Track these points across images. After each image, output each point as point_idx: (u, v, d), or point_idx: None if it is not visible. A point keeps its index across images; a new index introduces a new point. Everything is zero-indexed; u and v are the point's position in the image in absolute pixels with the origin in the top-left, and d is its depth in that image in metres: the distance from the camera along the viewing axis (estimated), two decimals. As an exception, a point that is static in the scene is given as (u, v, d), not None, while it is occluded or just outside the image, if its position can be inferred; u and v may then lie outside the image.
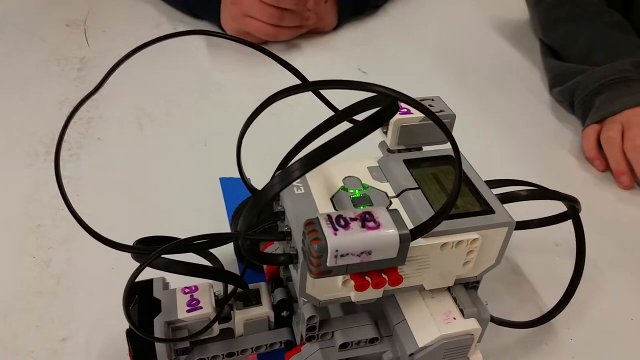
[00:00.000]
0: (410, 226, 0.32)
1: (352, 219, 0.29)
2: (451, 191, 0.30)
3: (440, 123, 0.28)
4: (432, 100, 0.40)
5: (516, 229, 0.35)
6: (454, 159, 0.38)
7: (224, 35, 0.34)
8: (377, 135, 0.37)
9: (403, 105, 0.39)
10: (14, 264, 0.49)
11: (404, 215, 0.34)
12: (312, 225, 0.29)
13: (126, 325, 0.35)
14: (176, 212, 0.55)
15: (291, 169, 0.28)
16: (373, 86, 0.29)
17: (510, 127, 0.69)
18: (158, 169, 0.61)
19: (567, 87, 0.69)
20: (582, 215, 0.42)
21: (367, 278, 0.30)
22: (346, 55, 0.84)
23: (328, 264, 0.28)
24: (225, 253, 0.47)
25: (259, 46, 0.35)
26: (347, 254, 0.28)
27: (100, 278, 0.48)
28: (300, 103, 0.69)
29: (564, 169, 0.63)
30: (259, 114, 0.32)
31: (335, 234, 0.28)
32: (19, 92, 0.72)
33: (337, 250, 0.28)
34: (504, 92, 0.76)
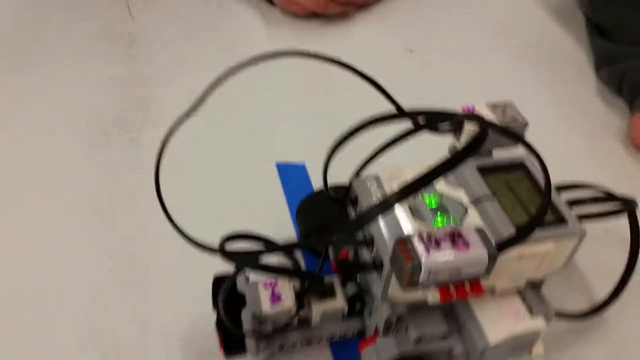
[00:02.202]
0: (491, 239, 0.34)
1: (442, 239, 0.31)
2: (539, 207, 0.32)
3: (534, 152, 0.30)
4: (505, 106, 0.42)
5: None
6: (525, 167, 0.40)
7: (323, 57, 0.35)
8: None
9: (477, 112, 0.41)
10: (92, 251, 0.52)
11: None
12: (404, 244, 0.31)
13: (204, 310, 0.38)
14: (236, 198, 0.57)
15: (389, 200, 0.29)
16: (465, 116, 0.31)
17: (555, 109, 0.70)
18: (215, 153, 0.63)
19: (614, 70, 0.69)
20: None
21: (451, 290, 0.33)
22: (394, 32, 0.83)
23: (420, 282, 0.31)
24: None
25: (363, 73, 0.35)
26: (439, 273, 0.31)
27: (179, 264, 0.50)
28: (357, 87, 0.70)
29: (611, 156, 0.64)
30: (349, 138, 0.34)
31: (428, 255, 0.30)
32: (71, 72, 0.73)
33: (430, 270, 0.30)
34: (551, 70, 0.76)
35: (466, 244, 0.31)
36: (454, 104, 0.42)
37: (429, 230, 0.32)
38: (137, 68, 0.74)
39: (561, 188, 0.43)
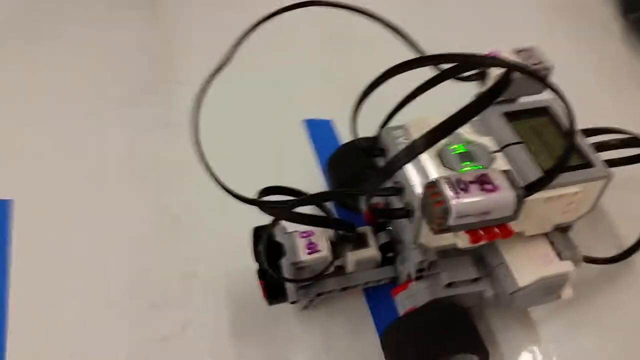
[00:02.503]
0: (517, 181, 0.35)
1: (471, 182, 0.32)
2: (563, 151, 0.32)
3: (559, 94, 0.31)
4: (530, 50, 0.42)
5: None
6: (551, 112, 0.40)
7: (343, 5, 0.36)
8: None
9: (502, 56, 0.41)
10: (132, 207, 0.55)
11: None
12: (433, 188, 0.32)
13: (245, 261, 0.40)
14: (267, 154, 0.59)
15: (416, 144, 0.30)
16: (491, 60, 0.31)
17: (579, 61, 0.69)
18: (243, 112, 0.64)
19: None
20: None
21: (481, 232, 0.34)
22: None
23: (450, 224, 0.32)
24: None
25: (371, 12, 0.36)
26: (468, 215, 0.32)
27: (216, 216, 0.52)
28: (378, 40, 0.70)
29: (634, 102, 0.63)
30: (375, 88, 0.35)
31: (458, 198, 0.31)
32: (96, 39, 0.75)
33: (459, 213, 0.31)
34: (570, 21, 0.75)
35: (494, 187, 0.32)
36: (478, 51, 0.42)
37: (458, 175, 0.33)
38: (161, 31, 0.75)
39: (587, 132, 0.43)
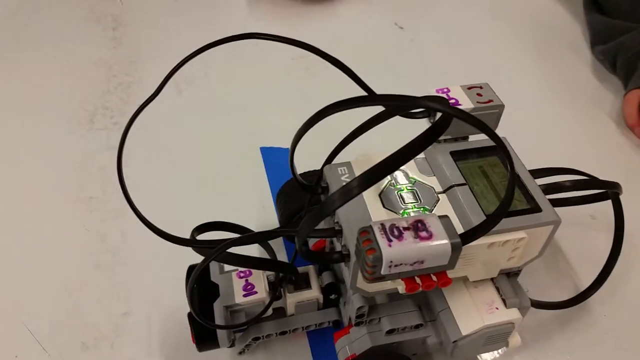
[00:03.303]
0: (459, 227, 0.33)
1: (405, 229, 0.30)
2: (503, 198, 0.30)
3: (497, 139, 0.29)
4: (481, 88, 0.40)
5: (556, 206, 0.36)
6: (502, 153, 0.39)
7: (276, 38, 0.35)
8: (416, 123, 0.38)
9: (451, 94, 0.40)
10: (70, 237, 0.52)
11: (451, 215, 0.35)
12: (366, 234, 0.30)
13: (183, 300, 0.37)
14: (218, 181, 0.57)
15: (351, 185, 0.29)
16: (430, 104, 0.29)
17: (548, 86, 0.69)
18: (198, 136, 0.62)
19: (610, 46, 0.67)
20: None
21: (417, 281, 0.32)
22: (382, 8, 0.82)
23: (382, 273, 0.30)
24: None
25: (319, 50, 0.34)
26: (401, 264, 0.30)
27: (155, 252, 0.50)
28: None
29: (602, 135, 0.63)
30: (314, 123, 0.33)
31: (390, 245, 0.29)
32: (55, 54, 0.73)
33: (391, 261, 0.29)
34: (544, 48, 0.74)
35: (429, 234, 0.30)
36: (444, 82, 0.41)
37: (393, 220, 0.31)
38: (122, 51, 0.74)
39: (541, 172, 0.42)
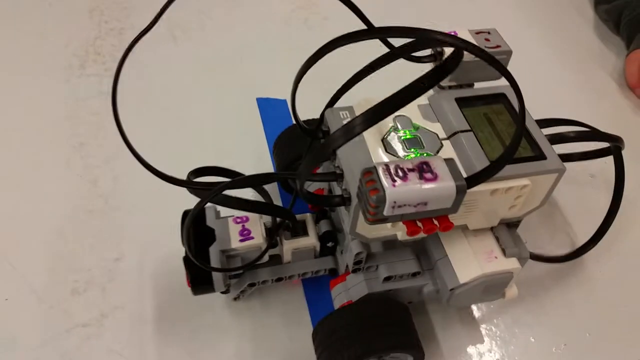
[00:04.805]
0: (462, 172, 0.33)
1: (410, 170, 0.29)
2: (510, 142, 0.30)
3: (507, 75, 0.28)
4: (489, 33, 0.39)
5: None
6: (506, 99, 0.38)
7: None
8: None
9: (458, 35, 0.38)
10: (62, 183, 0.51)
11: (456, 160, 0.34)
12: (370, 174, 0.29)
13: (175, 245, 0.37)
14: (214, 132, 0.56)
15: (354, 122, 0.28)
16: (436, 34, 0.28)
17: (551, 47, 0.67)
18: (193, 85, 0.61)
19: (614, 5, 0.66)
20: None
21: (419, 224, 0.31)
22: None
23: (385, 214, 0.29)
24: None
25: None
26: (404, 205, 0.29)
27: (147, 197, 0.49)
28: (338, 17, 0.68)
29: (604, 95, 0.62)
30: (316, 60, 0.32)
31: (394, 186, 0.29)
32: (47, 1, 0.71)
33: (395, 202, 0.29)
34: (546, 7, 0.73)
35: (434, 176, 0.29)
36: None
37: (397, 162, 0.30)
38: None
39: (544, 123, 0.41)
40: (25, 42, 0.65)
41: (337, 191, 0.38)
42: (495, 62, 0.28)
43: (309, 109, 0.41)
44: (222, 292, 0.41)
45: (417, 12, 0.71)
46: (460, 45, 0.27)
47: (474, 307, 0.44)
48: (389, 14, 0.70)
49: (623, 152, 0.43)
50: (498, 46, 0.38)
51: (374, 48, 0.36)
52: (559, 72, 0.64)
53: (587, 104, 0.60)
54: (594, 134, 0.40)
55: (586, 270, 0.47)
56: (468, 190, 0.32)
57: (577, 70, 0.65)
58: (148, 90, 0.60)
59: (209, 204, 0.39)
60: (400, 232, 0.35)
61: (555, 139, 0.39)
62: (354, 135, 0.28)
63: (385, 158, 0.34)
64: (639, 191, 0.52)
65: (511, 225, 0.39)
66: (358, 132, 0.28)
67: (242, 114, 0.58)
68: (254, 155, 0.54)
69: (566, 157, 0.46)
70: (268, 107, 0.59)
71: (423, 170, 0.29)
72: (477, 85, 0.39)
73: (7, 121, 0.56)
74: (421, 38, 0.28)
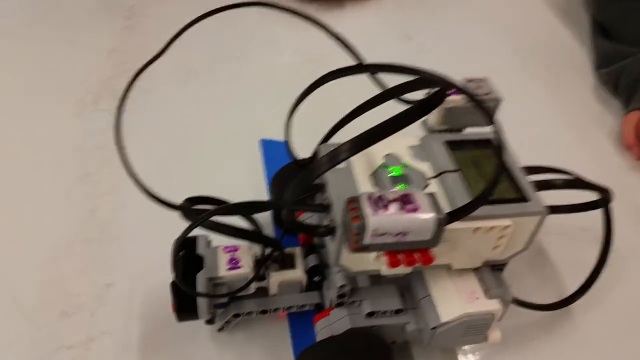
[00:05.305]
0: (447, 209, 0.33)
1: (392, 201, 0.30)
2: (491, 179, 0.31)
3: (487, 113, 0.29)
4: (481, 80, 0.41)
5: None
6: (495, 145, 0.39)
7: (281, 7, 0.35)
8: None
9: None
10: (62, 211, 0.52)
11: (441, 198, 0.35)
12: (353, 203, 0.30)
13: (167, 276, 0.38)
14: (216, 170, 0.57)
15: (340, 150, 0.29)
16: (424, 73, 0.30)
17: (551, 106, 0.69)
18: (201, 125, 0.63)
19: (613, 69, 0.68)
20: (612, 202, 0.43)
21: (399, 256, 0.32)
22: (392, 19, 0.83)
23: (365, 242, 0.30)
24: (262, 216, 0.49)
25: (316, 20, 0.35)
26: (385, 234, 0.30)
27: (144, 229, 0.50)
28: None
29: (600, 153, 0.63)
30: (310, 92, 0.34)
31: (375, 214, 0.30)
32: (68, 40, 0.75)
33: (375, 230, 0.29)
34: (549, 69, 0.75)
35: (415, 207, 0.30)
36: None
37: (380, 192, 0.31)
38: (134, 40, 0.75)
39: (531, 170, 0.42)
40: (43, 76, 0.68)
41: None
42: (476, 100, 0.29)
43: (310, 145, 0.42)
44: (207, 323, 0.41)
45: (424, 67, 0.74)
46: (445, 82, 0.29)
47: (458, 353, 0.44)
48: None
49: (615, 209, 0.44)
50: (488, 93, 0.39)
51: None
52: (556, 129, 0.66)
53: (583, 162, 0.61)
54: (581, 182, 0.41)
55: (574, 321, 0.46)
56: (451, 227, 0.33)
57: (575, 128, 0.66)
58: (158, 128, 0.62)
59: (201, 233, 0.40)
60: (383, 266, 0.35)
61: (542, 186, 0.40)
62: (339, 161, 0.29)
63: (371, 189, 0.35)
64: (630, 246, 0.52)
65: (496, 268, 0.39)
66: (343, 158, 0.29)
67: (246, 154, 0.59)
68: (252, 195, 0.55)
69: (555, 209, 0.47)
70: (271, 149, 0.61)
71: (405, 201, 0.30)
72: (468, 130, 0.41)
73: (15, 147, 0.58)
74: (409, 74, 0.29)
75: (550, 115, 0.68)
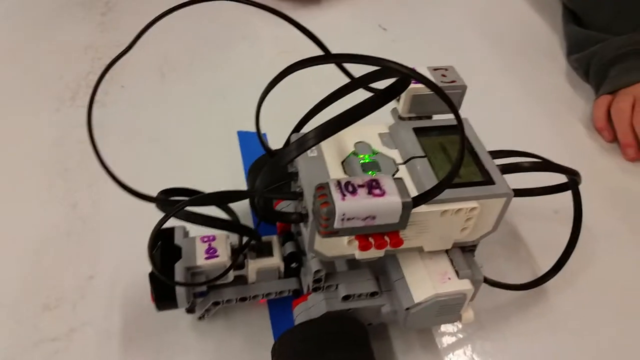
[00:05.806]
0: (414, 193, 0.35)
1: (360, 186, 0.31)
2: (454, 162, 0.32)
3: (448, 100, 0.30)
4: (446, 70, 0.42)
5: (518, 196, 0.37)
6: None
7: (251, 2, 0.36)
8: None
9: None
10: (43, 206, 0.53)
11: (409, 183, 0.36)
12: (322, 189, 0.31)
13: (148, 267, 0.38)
14: (194, 162, 0.58)
15: (307, 137, 0.30)
16: (388, 62, 0.31)
17: (524, 91, 0.70)
18: (178, 119, 0.64)
19: (584, 55, 0.69)
20: (585, 183, 0.44)
21: (370, 240, 0.33)
22: (367, 10, 0.84)
23: (335, 226, 0.31)
24: (240, 206, 0.50)
25: (284, 15, 0.36)
26: (353, 218, 0.31)
27: (124, 221, 0.51)
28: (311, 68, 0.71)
29: (572, 137, 0.64)
30: (277, 82, 0.34)
31: (343, 199, 0.30)
32: (44, 36, 0.75)
33: (344, 214, 0.30)
34: (522, 55, 0.76)
35: (382, 192, 0.31)
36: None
37: (348, 178, 0.32)
38: (111, 35, 0.75)
39: (502, 153, 0.43)
40: (21, 72, 0.69)
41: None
42: (434, 88, 0.30)
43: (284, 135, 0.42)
44: (187, 311, 0.42)
45: (399, 57, 0.74)
46: (404, 72, 0.30)
47: (435, 334, 0.45)
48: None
49: (588, 190, 0.45)
50: (453, 81, 0.40)
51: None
52: (529, 114, 0.67)
53: (555, 145, 0.63)
54: (548, 164, 0.42)
55: (548, 300, 0.48)
56: (418, 210, 0.34)
57: (548, 112, 0.67)
58: (136, 122, 0.62)
59: (178, 224, 0.41)
60: (356, 250, 0.36)
61: (509, 169, 0.40)
62: (307, 148, 0.30)
63: (341, 176, 0.36)
64: (602, 226, 0.53)
65: (467, 249, 0.40)
66: (311, 145, 0.30)
67: (223, 146, 0.60)
68: (232, 185, 0.56)
69: (527, 192, 0.48)
70: (248, 140, 0.61)
71: (372, 186, 0.31)
72: (436, 117, 0.42)
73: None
74: (370, 64, 0.30)
75: (524, 101, 0.69)
